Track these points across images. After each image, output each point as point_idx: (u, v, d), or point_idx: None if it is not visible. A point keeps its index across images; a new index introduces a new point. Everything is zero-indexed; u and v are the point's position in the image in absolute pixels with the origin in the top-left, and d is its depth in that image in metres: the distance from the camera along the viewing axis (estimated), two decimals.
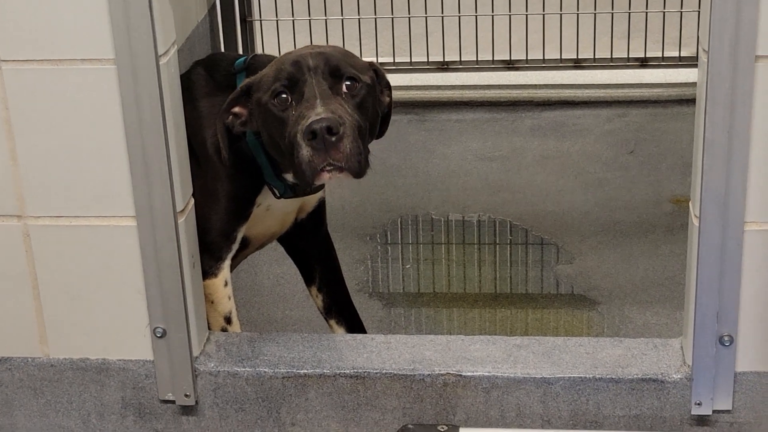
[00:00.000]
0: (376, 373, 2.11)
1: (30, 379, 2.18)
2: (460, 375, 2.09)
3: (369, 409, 2.13)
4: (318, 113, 1.95)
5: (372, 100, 2.08)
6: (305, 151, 1.96)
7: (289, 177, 2.16)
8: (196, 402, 2.15)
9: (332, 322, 2.46)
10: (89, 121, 1.98)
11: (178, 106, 2.03)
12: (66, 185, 2.03)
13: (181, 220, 2.04)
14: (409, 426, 2.07)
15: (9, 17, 1.93)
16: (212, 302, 2.24)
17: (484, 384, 2.09)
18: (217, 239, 2.21)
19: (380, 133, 2.19)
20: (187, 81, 2.22)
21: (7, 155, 2.02)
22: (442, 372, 2.10)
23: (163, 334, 2.10)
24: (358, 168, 1.98)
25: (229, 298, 2.26)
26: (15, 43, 1.94)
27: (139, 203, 2.01)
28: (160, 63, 1.93)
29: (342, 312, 2.47)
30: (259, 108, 2.07)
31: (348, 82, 2.03)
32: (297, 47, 2.21)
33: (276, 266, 2.94)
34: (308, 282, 2.48)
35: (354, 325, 2.47)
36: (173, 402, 2.16)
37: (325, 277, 2.46)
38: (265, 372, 2.12)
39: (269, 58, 2.20)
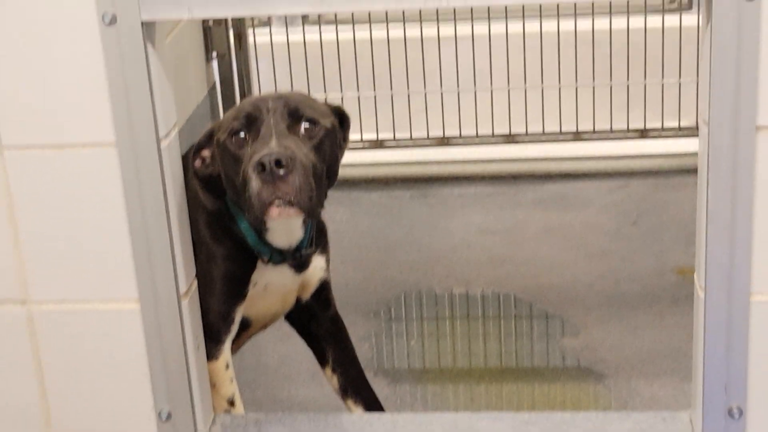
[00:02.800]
0: None
1: None
2: None
3: None
4: (270, 148, 1.96)
5: (330, 144, 2.08)
6: (255, 184, 1.95)
7: (274, 240, 2.16)
8: None
9: (349, 402, 2.44)
10: (91, 205, 1.98)
11: (180, 188, 2.03)
12: (69, 269, 2.03)
13: (184, 302, 2.03)
14: None
15: (11, 103, 1.94)
16: (214, 385, 2.22)
17: None
18: (215, 321, 2.20)
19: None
20: (183, 161, 2.23)
21: (10, 240, 2.02)
22: None
23: (169, 416, 2.09)
24: (309, 205, 1.97)
25: (232, 381, 2.25)
26: (17, 129, 1.95)
27: (143, 286, 2.00)
28: (162, 145, 1.93)
29: (358, 391, 2.44)
30: (218, 148, 2.08)
31: (306, 124, 2.04)
32: None
33: (281, 345, 2.93)
34: (322, 363, 2.46)
35: (371, 403, 2.44)
36: None
37: (339, 357, 2.44)
38: None
39: None
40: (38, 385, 2.11)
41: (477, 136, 3.82)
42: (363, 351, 2.94)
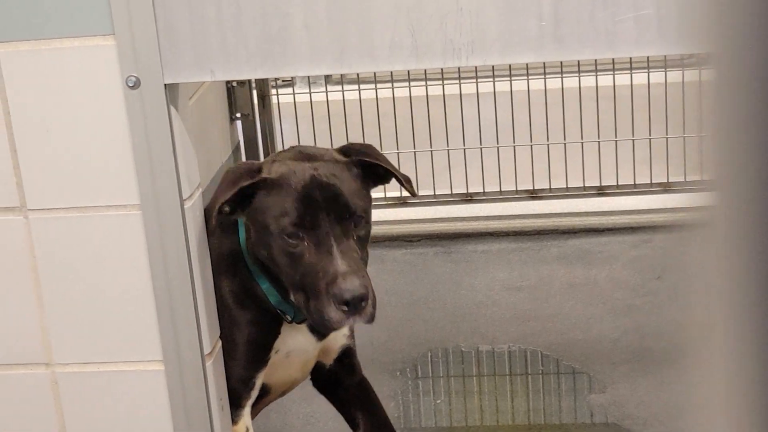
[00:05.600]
0: None
1: None
2: None
3: None
4: (344, 275, 1.97)
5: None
6: (332, 312, 1.98)
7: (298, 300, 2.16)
8: None
9: None
10: (115, 267, 1.99)
11: (204, 249, 2.04)
12: (93, 331, 2.03)
13: (209, 363, 2.03)
14: None
15: (35, 165, 1.95)
16: None
17: None
18: (236, 386, 2.19)
19: None
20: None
21: (34, 302, 2.02)
22: None
23: None
24: (374, 316, 2.02)
25: None
26: (41, 192, 1.97)
27: (167, 347, 2.00)
28: (185, 207, 1.94)
29: None
30: (265, 232, 2.06)
31: (356, 221, 2.05)
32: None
33: (305, 405, 2.92)
34: (353, 428, 2.45)
35: None
36: None
37: (370, 421, 2.42)
38: None
39: None
40: None
41: (500, 192, 3.82)
42: (389, 410, 2.92)
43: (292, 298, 2.10)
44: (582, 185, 3.80)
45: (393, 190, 3.73)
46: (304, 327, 2.23)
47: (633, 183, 3.79)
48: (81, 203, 1.96)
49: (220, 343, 2.11)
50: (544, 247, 3.78)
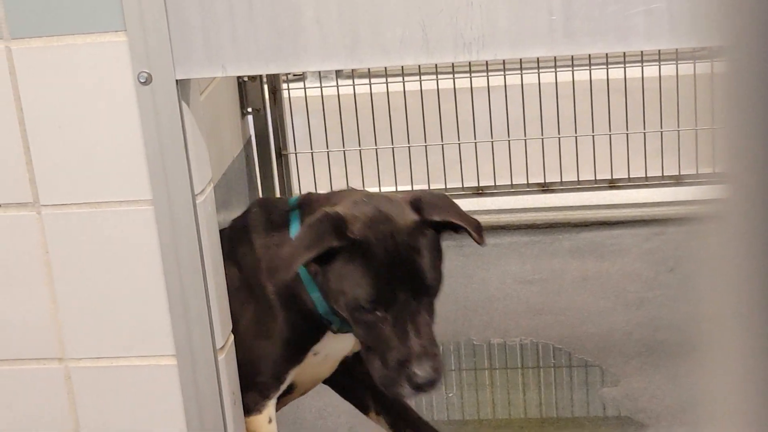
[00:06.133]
0: None
1: None
2: None
3: None
4: (419, 357, 1.98)
5: None
6: (402, 389, 1.99)
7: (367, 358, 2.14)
8: None
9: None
10: (128, 262, 1.99)
11: (216, 244, 2.04)
12: (106, 326, 2.04)
13: (221, 358, 2.03)
14: None
15: (48, 161, 1.96)
16: None
17: None
18: (267, 380, 2.19)
19: None
20: (245, 219, 2.23)
21: (47, 298, 2.03)
22: None
23: None
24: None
25: None
26: (54, 188, 1.97)
27: (179, 342, 2.01)
28: (197, 202, 1.95)
29: (409, 422, 2.44)
30: (340, 295, 2.03)
31: (432, 294, 2.06)
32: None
33: (317, 399, 2.92)
34: (364, 410, 2.45)
35: (427, 429, 2.44)
36: None
37: (380, 399, 2.43)
38: None
39: (320, 196, 2.22)
40: None
41: (512, 185, 3.82)
42: None
43: (362, 355, 2.11)
44: (593, 178, 3.79)
45: (404, 183, 3.72)
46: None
47: (644, 176, 3.78)
48: (93, 199, 1.97)
49: (232, 338, 2.11)
50: (556, 240, 3.78)
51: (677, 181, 3.79)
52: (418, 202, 2.05)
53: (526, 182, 3.81)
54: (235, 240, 2.25)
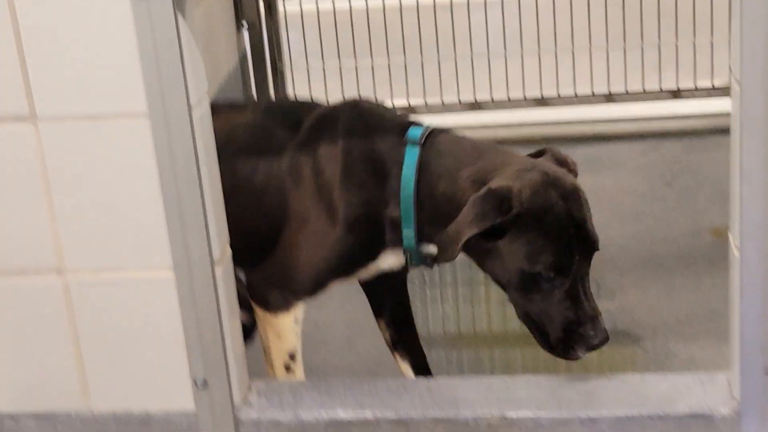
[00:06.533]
0: (420, 417, 2.10)
1: None
2: (504, 417, 2.07)
3: None
4: (593, 320, 2.05)
5: None
6: (575, 351, 2.06)
7: (430, 248, 2.13)
8: None
9: (397, 355, 2.46)
10: (125, 175, 1.99)
11: (212, 155, 2.03)
12: (104, 238, 2.04)
13: (218, 270, 2.04)
14: None
15: (44, 74, 1.95)
16: (279, 336, 2.22)
17: (529, 425, 2.07)
18: (306, 283, 2.20)
19: None
20: (338, 118, 2.20)
21: (45, 211, 2.03)
22: (485, 415, 2.08)
23: (204, 384, 2.10)
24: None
25: (297, 336, 2.24)
26: (51, 100, 1.96)
27: (176, 254, 2.01)
28: (193, 114, 1.94)
29: (409, 350, 2.46)
30: (511, 265, 2.03)
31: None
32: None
33: (315, 312, 2.93)
34: (377, 314, 2.46)
35: (419, 364, 2.45)
36: None
37: (395, 314, 2.44)
38: (307, 419, 2.11)
39: (449, 138, 2.17)
40: (75, 353, 2.12)
41: (509, 100, 3.80)
42: None
43: (522, 321, 2.11)
44: (591, 92, 3.77)
45: (400, 98, 3.71)
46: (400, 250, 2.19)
47: (642, 90, 3.76)
48: (90, 111, 1.96)
49: (229, 250, 2.11)
50: None
51: (675, 95, 3.77)
52: (560, 160, 2.12)
53: (523, 96, 3.79)
54: (319, 135, 2.20)
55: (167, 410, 2.15)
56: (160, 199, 1.98)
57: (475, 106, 3.82)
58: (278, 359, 2.25)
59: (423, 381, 2.23)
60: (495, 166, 2.08)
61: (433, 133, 2.17)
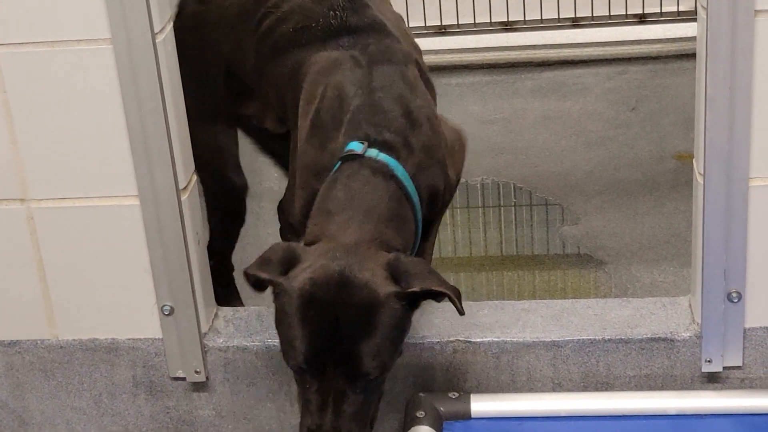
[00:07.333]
0: None
1: (40, 362, 2.19)
2: (470, 341, 2.09)
3: None
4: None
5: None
6: None
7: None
8: (207, 378, 2.16)
9: None
10: (88, 102, 1.97)
11: (177, 83, 2.02)
12: (68, 166, 2.02)
13: (184, 198, 2.03)
14: (420, 394, 2.07)
15: (1, 1, 1.92)
16: None
17: (494, 349, 2.09)
18: (294, 213, 2.09)
19: None
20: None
21: (7, 139, 2.01)
22: (451, 339, 2.10)
23: (171, 311, 2.10)
24: None
25: None
26: (11, 26, 1.93)
27: (142, 182, 2.00)
28: (157, 40, 1.92)
29: None
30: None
31: (368, 382, 1.78)
32: None
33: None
34: None
35: None
36: (184, 379, 2.16)
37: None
38: (274, 345, 2.12)
39: (343, 173, 1.94)
40: (40, 283, 2.12)
41: (474, 24, 3.79)
42: None
43: None
44: (557, 17, 3.77)
45: None
46: None
47: (608, 14, 3.76)
48: (50, 37, 1.93)
49: (195, 178, 2.11)
50: (518, 80, 3.77)
51: (641, 19, 3.77)
52: (395, 265, 1.80)
53: (489, 21, 3.78)
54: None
55: (134, 337, 2.15)
56: (124, 126, 1.97)
57: (442, 29, 3.81)
58: None
59: None
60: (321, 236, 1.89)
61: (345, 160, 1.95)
